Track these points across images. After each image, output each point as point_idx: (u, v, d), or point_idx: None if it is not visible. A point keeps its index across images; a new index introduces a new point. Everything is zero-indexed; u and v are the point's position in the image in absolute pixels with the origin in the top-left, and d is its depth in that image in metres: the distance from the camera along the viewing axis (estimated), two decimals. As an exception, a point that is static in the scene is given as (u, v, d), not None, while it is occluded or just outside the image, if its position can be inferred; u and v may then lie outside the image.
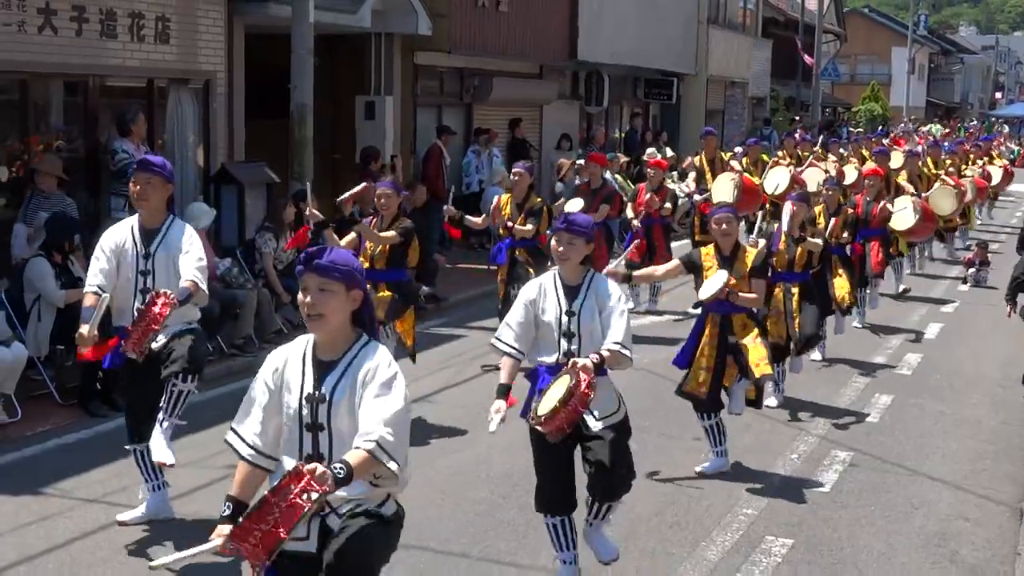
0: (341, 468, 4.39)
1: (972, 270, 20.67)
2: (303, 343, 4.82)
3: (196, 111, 15.19)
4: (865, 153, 25.81)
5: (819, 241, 11.90)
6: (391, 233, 10.44)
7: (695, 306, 9.76)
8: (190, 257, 7.57)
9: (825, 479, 9.57)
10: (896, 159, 20.80)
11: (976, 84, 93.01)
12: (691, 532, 8.26)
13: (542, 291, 6.89)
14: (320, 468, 4.36)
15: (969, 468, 10.09)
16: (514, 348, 6.85)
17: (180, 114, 14.92)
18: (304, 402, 4.69)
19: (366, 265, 10.23)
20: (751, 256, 9.26)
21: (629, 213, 16.25)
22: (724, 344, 9.25)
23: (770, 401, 11.32)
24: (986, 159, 29.57)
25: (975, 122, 67.49)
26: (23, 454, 9.63)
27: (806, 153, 22.89)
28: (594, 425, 6.75)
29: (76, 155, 13.72)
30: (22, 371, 10.36)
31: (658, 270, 9.88)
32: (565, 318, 6.78)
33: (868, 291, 15.81)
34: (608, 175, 21.13)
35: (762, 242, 10.17)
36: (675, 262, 9.66)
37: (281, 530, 4.41)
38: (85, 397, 10.76)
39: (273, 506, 4.42)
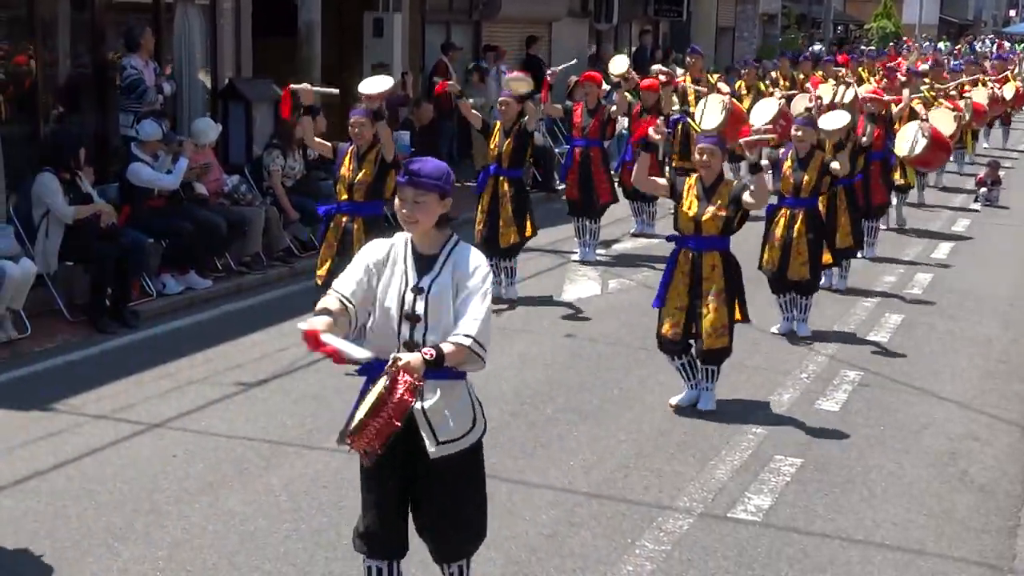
0: None
1: (983, 189, 20.48)
2: None
3: (203, 27, 15.04)
4: (863, 73, 25.11)
5: (838, 165, 11.21)
6: None
7: (668, 239, 9.29)
8: None
9: (835, 398, 9.57)
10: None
11: (991, 1, 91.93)
12: (700, 451, 8.27)
13: (391, 257, 5.14)
14: None
15: (979, 387, 10.09)
16: (344, 296, 4.99)
17: (187, 31, 14.78)
18: None
19: (343, 196, 9.85)
20: (729, 189, 8.72)
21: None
22: (697, 283, 8.78)
23: (775, 328, 11.31)
24: (1001, 78, 28.53)
25: (984, 39, 66.15)
26: (32, 370, 9.64)
27: (801, 76, 22.47)
28: (433, 450, 5.06)
29: (84, 72, 13.61)
30: (31, 287, 10.35)
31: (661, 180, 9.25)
32: (410, 295, 5.02)
33: (872, 223, 14.83)
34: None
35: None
36: (665, 181, 9.18)
37: None
38: (94, 314, 10.77)
39: None
